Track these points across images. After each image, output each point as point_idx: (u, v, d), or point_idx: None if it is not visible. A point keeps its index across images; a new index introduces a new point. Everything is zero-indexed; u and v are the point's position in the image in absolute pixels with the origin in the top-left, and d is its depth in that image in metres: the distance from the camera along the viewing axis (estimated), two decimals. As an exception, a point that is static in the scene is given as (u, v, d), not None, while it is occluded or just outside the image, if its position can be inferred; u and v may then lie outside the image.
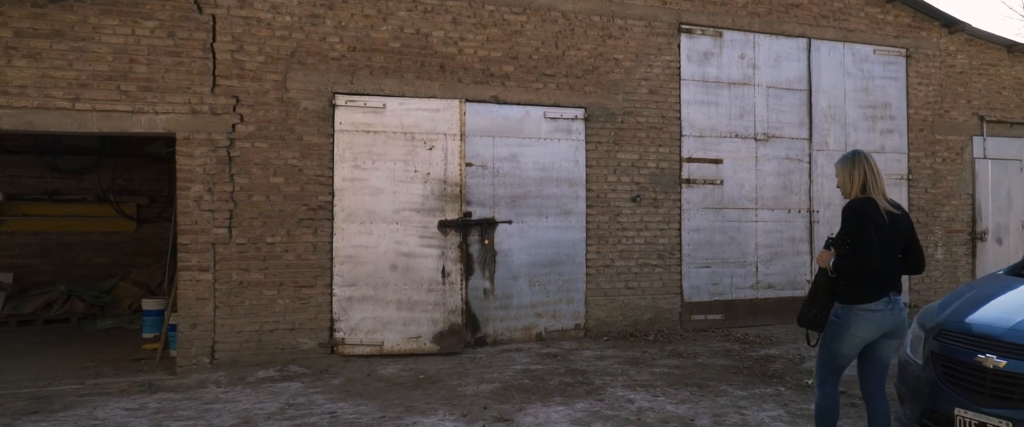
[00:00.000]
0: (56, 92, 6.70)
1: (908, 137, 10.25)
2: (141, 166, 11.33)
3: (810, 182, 9.69)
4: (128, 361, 7.79)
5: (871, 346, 4.19)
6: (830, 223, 9.75)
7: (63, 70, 6.73)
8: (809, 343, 4.48)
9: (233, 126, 7.20)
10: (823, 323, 4.24)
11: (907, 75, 10.25)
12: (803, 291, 9.56)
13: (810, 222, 9.67)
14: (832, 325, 4.17)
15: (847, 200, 4.24)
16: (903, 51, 10.21)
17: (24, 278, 10.91)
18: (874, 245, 3.96)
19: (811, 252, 9.65)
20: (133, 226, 11.42)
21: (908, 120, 10.25)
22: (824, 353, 4.24)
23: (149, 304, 8.97)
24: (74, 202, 11.20)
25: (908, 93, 10.24)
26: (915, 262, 4.28)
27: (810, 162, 9.69)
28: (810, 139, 9.71)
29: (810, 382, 6.57)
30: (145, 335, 8.90)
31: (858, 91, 10.01)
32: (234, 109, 7.21)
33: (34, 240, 11.13)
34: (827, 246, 4.26)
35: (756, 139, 9.40)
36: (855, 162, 4.24)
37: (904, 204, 10.16)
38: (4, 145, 10.89)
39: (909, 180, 10.21)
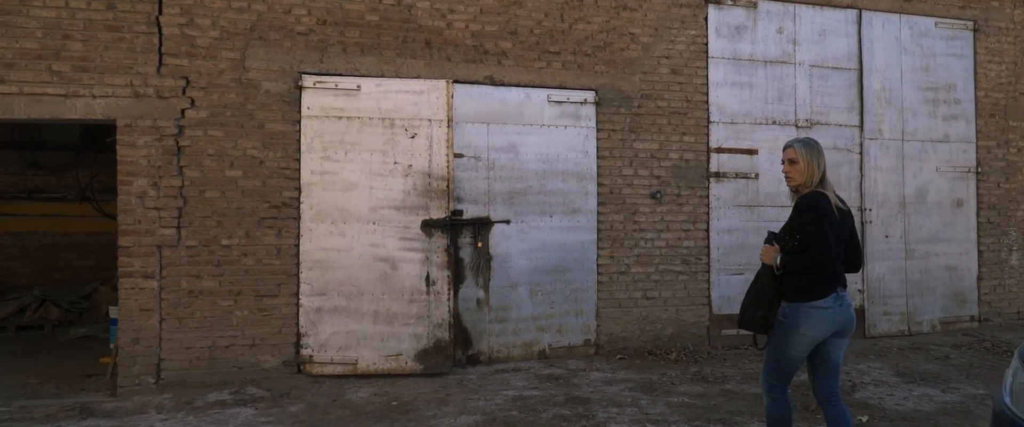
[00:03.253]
0: (-25, 73, 5.84)
1: (976, 124, 8.89)
2: (126, 162, 10.52)
3: (862, 176, 8.41)
4: (78, 377, 6.93)
5: (821, 347, 3.98)
6: (884, 223, 8.48)
7: (-16, 47, 5.86)
8: (757, 347, 4.22)
9: (182, 111, 6.25)
10: (771, 324, 3.98)
11: (975, 52, 8.89)
12: (854, 303, 8.28)
13: (862, 222, 8.39)
14: (781, 327, 3.93)
15: (801, 192, 4.02)
16: (970, 24, 8.86)
17: (2, 281, 10.22)
18: (830, 243, 3.83)
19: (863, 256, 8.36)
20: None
21: (976, 104, 8.90)
22: (773, 357, 4.01)
23: (116, 312, 8.09)
24: (55, 201, 10.46)
25: (976, 73, 8.89)
26: (854, 260, 4.11)
27: (861, 152, 8.43)
28: (861, 126, 8.44)
29: (865, 420, 5.38)
30: (112, 345, 8.05)
31: (917, 70, 8.70)
32: (183, 92, 6.26)
33: (14, 241, 10.43)
34: (769, 241, 4.05)
35: (797, 126, 8.17)
36: (820, 151, 4.03)
37: (972, 200, 8.84)
38: (-18, 140, 10.22)
39: (978, 173, 8.85)
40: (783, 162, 4.08)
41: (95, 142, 10.25)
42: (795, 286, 3.88)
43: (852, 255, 4.07)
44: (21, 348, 8.41)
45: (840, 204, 3.98)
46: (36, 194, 10.40)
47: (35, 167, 10.38)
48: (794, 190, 4.08)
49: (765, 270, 3.99)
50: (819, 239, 3.80)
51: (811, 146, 4.00)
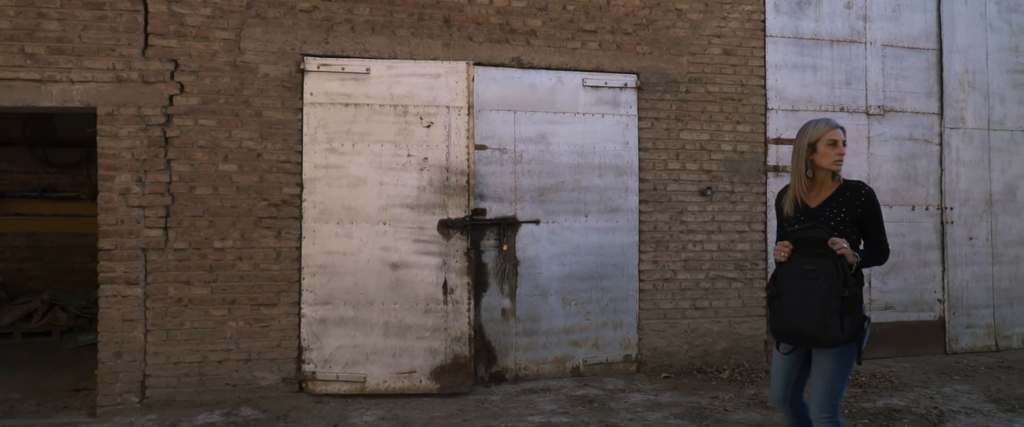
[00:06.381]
0: (-60, 55, 5.25)
1: (1074, 111, 7.84)
2: (141, 159, 9.98)
3: (941, 170, 7.42)
4: (66, 392, 6.31)
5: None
6: (968, 223, 7.47)
7: (-51, 27, 5.27)
8: (858, 362, 3.40)
9: (170, 98, 5.59)
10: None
11: (1073, 30, 7.84)
12: (933, 314, 7.33)
13: (941, 222, 7.39)
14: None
15: (836, 180, 3.53)
16: (1067, -2, 7.81)
17: (14, 284, 9.73)
18: None
19: (942, 261, 7.38)
20: (134, 227, 10.08)
21: (1074, 89, 7.84)
22: (842, 378, 3.36)
23: (118, 319, 7.51)
24: (69, 200, 9.96)
25: (1074, 53, 7.83)
26: None
27: (941, 144, 7.43)
28: (941, 114, 7.44)
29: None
30: (113, 356, 7.46)
31: (1005, 51, 7.67)
32: (172, 76, 5.59)
33: (26, 242, 9.92)
34: (819, 238, 3.40)
35: (868, 114, 7.21)
36: None
37: (1069, 199, 7.80)
38: (-6, 136, 9.77)
39: (1076, 167, 7.79)
40: (835, 143, 3.47)
41: (108, 138, 9.73)
42: (857, 291, 3.39)
43: None
44: (22, 357, 7.88)
45: None
46: (49, 193, 9.91)
47: (48, 164, 9.90)
48: (833, 176, 3.53)
49: (846, 269, 3.30)
50: (883, 232, 3.48)
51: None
